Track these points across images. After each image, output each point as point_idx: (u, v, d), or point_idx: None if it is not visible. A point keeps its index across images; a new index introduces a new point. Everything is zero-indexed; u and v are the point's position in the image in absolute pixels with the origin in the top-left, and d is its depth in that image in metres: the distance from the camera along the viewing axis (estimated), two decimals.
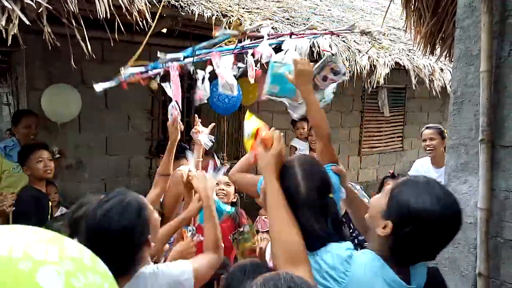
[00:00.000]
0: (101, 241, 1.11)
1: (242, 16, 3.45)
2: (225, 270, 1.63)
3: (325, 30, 2.62)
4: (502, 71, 1.27)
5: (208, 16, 3.17)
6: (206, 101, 2.24)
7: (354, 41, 4.46)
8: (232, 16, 3.35)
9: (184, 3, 3.13)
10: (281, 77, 1.78)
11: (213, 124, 2.45)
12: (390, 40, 5.32)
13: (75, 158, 3.79)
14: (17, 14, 1.95)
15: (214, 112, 4.68)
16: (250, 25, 3.23)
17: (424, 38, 2.41)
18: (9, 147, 3.04)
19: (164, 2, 2.92)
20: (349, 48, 4.20)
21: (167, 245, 1.90)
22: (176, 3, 3.05)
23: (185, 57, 1.88)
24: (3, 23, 1.89)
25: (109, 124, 3.93)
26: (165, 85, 2.00)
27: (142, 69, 2.01)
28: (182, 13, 3.05)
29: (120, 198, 1.21)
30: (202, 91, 1.95)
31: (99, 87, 1.94)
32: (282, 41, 2.23)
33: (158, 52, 2.01)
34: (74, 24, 2.27)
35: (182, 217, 1.75)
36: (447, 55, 2.49)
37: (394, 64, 4.57)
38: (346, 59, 4.04)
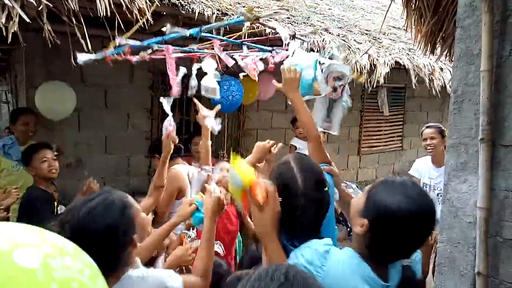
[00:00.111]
0: (84, 239, 1.10)
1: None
2: (221, 269, 1.63)
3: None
4: (503, 71, 1.27)
5: (209, 15, 3.16)
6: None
7: (355, 40, 4.46)
8: (233, 14, 3.34)
9: (185, 2, 3.12)
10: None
11: (218, 106, 2.37)
12: (390, 39, 5.32)
13: (74, 157, 3.79)
14: (17, 12, 1.95)
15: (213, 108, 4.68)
16: (251, 24, 3.23)
17: (424, 37, 2.41)
18: (7, 145, 3.04)
19: (164, 0, 2.92)
20: (349, 47, 4.20)
21: (167, 241, 1.89)
22: (177, 1, 3.05)
23: (191, 35, 1.85)
24: (3, 20, 1.89)
25: (108, 123, 3.93)
26: (163, 100, 1.98)
27: (137, 43, 1.98)
28: (183, 12, 3.05)
29: (104, 196, 1.20)
30: (178, 88, 1.92)
31: (82, 57, 1.91)
32: (271, 50, 2.29)
33: (168, 25, 1.99)
34: (75, 22, 2.27)
35: (173, 221, 1.73)
36: (448, 54, 2.49)
37: (394, 64, 4.57)
38: (346, 58, 4.04)
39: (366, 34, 5.03)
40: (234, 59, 2.22)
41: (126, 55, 2.03)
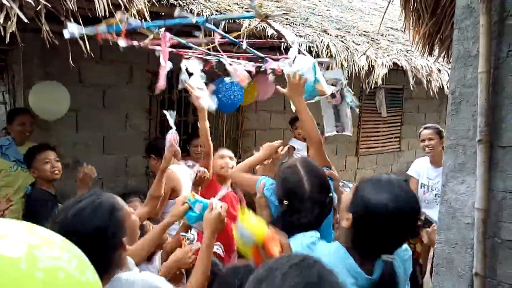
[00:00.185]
0: (72, 240, 1.08)
1: None
2: (215, 268, 1.62)
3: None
4: (501, 72, 1.27)
5: (207, 15, 3.16)
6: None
7: (353, 41, 4.47)
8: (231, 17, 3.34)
9: (183, 2, 3.12)
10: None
11: (212, 86, 2.34)
12: (388, 40, 5.33)
13: (72, 157, 3.77)
14: (16, 12, 1.94)
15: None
16: (249, 25, 3.24)
17: (422, 38, 2.42)
18: (5, 146, 3.02)
19: (163, 1, 2.91)
20: (348, 48, 4.21)
21: (166, 235, 1.87)
22: (175, 2, 3.05)
23: (196, 22, 1.81)
24: (1, 20, 1.88)
25: (106, 123, 3.92)
26: (166, 113, 1.95)
27: (137, 22, 1.94)
28: (182, 12, 3.05)
29: (93, 198, 1.19)
30: (163, 83, 1.88)
31: (71, 29, 1.87)
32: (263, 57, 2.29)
33: (177, 8, 1.97)
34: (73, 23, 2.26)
35: (167, 221, 1.71)
36: (445, 55, 2.50)
37: (392, 65, 4.58)
38: (345, 59, 4.05)
39: (364, 35, 5.05)
40: (223, 63, 2.23)
41: (118, 37, 1.95)
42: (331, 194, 1.32)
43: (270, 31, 3.30)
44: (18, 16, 1.97)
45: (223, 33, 2.02)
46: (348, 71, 4.05)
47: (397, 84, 6.09)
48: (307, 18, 4.45)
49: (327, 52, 3.92)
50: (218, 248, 2.13)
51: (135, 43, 2.09)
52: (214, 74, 2.20)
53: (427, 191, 3.21)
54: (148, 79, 4.11)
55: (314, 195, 1.27)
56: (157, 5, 2.79)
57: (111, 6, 2.38)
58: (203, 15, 3.15)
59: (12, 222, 0.54)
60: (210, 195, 2.48)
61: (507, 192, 1.26)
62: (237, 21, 3.33)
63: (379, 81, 4.40)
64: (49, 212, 2.34)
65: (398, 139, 6.72)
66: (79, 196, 1.22)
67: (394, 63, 4.64)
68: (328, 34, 4.29)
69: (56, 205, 2.48)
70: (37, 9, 2.06)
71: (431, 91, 5.12)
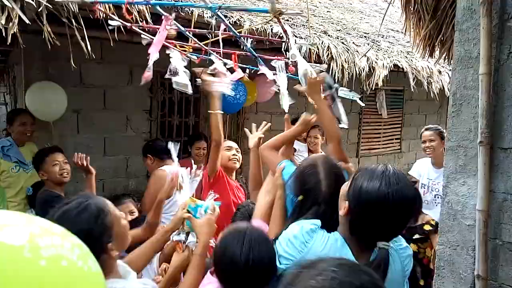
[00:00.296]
0: None
1: (242, 17, 3.46)
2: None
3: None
4: (501, 74, 1.28)
5: (208, 17, 3.17)
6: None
7: (353, 43, 4.48)
8: (232, 17, 3.35)
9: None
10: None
11: (239, 73, 2.30)
12: (389, 42, 5.34)
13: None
14: (17, 13, 1.94)
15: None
16: (250, 25, 3.24)
17: (423, 40, 2.42)
18: (6, 147, 3.02)
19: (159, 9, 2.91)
20: (348, 49, 4.22)
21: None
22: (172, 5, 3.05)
23: (210, 7, 1.73)
24: (3, 21, 1.89)
25: (107, 124, 3.92)
26: (170, 146, 1.89)
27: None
28: (182, 14, 3.05)
29: (80, 200, 1.17)
30: (150, 72, 1.85)
31: None
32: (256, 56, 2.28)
33: None
34: (74, 24, 2.27)
35: (168, 228, 1.68)
36: (446, 57, 2.50)
37: (392, 66, 4.58)
38: (345, 61, 4.05)
39: (365, 37, 5.05)
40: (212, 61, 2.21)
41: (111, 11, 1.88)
42: None
43: (274, 30, 3.31)
44: (19, 17, 1.97)
45: (229, 25, 2.00)
46: (348, 72, 4.05)
47: (397, 86, 6.09)
48: (307, 20, 4.45)
49: (328, 54, 3.92)
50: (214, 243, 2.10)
51: (127, 25, 2.03)
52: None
53: (427, 191, 3.21)
54: (149, 80, 4.10)
55: (330, 199, 1.30)
56: (158, 7, 2.79)
57: (112, 8, 2.38)
58: (204, 16, 3.15)
59: (11, 213, 0.54)
60: (219, 188, 2.48)
61: (508, 193, 1.26)
62: (238, 22, 3.33)
63: (380, 83, 4.40)
64: None
65: (398, 140, 6.72)
66: (70, 198, 1.21)
67: (395, 65, 4.65)
68: (328, 35, 4.30)
69: None
70: (39, 10, 2.07)
71: (431, 93, 5.12)
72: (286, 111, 2.11)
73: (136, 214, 2.44)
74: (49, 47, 2.30)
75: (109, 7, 2.28)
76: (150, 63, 1.77)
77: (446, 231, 1.41)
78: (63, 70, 3.25)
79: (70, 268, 0.50)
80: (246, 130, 2.27)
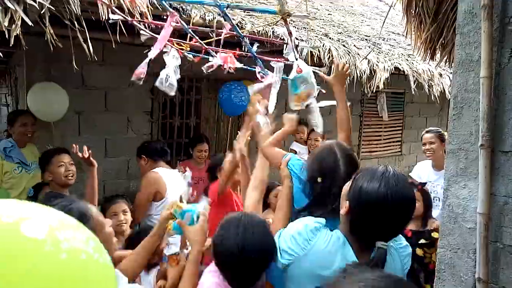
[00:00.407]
0: None
1: (243, 20, 3.47)
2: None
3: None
4: (502, 78, 1.28)
5: (210, 19, 3.18)
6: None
7: (354, 45, 4.49)
8: (234, 19, 3.36)
9: (186, 6, 3.14)
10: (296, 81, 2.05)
11: (266, 102, 2.27)
12: (390, 45, 5.34)
13: (74, 160, 3.78)
14: (20, 15, 1.95)
15: (214, 113, 4.69)
16: (251, 27, 3.25)
17: (424, 43, 2.43)
18: (8, 148, 3.03)
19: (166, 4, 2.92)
20: (349, 52, 4.22)
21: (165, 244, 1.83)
22: (178, 6, 3.06)
23: (218, 6, 1.69)
24: (6, 23, 1.90)
25: (109, 126, 3.93)
26: (180, 174, 1.82)
27: None
28: (184, 16, 3.07)
29: (64, 204, 1.17)
30: (143, 69, 1.82)
31: None
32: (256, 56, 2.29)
33: None
34: (77, 26, 2.28)
35: (155, 231, 1.64)
36: (447, 60, 2.51)
37: (393, 69, 4.59)
38: (346, 63, 4.06)
39: (366, 39, 5.06)
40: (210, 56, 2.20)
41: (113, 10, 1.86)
42: None
43: (277, 32, 3.31)
44: (22, 19, 1.98)
45: (235, 24, 1.99)
46: (349, 75, 4.05)
47: (398, 88, 6.10)
48: (308, 22, 4.46)
49: (329, 57, 3.93)
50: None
51: (128, 19, 2.01)
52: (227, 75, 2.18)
53: None
54: (150, 82, 4.11)
55: (348, 179, 1.36)
56: (160, 9, 2.80)
57: (114, 9, 2.39)
58: (206, 19, 3.16)
59: (30, 204, 0.54)
60: (227, 204, 2.46)
61: (509, 197, 1.26)
62: (239, 24, 3.34)
63: (381, 85, 4.40)
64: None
65: (399, 143, 6.72)
66: (55, 201, 1.20)
67: (396, 68, 4.65)
68: (329, 38, 4.30)
69: None
70: (41, 12, 2.08)
71: (432, 96, 5.13)
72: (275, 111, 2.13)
73: (129, 213, 2.44)
74: (51, 49, 2.31)
75: (112, 0, 2.28)
76: (146, 60, 1.74)
77: (446, 234, 1.41)
78: (65, 72, 3.26)
79: (88, 261, 0.51)
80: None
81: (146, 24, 2.24)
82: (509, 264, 1.26)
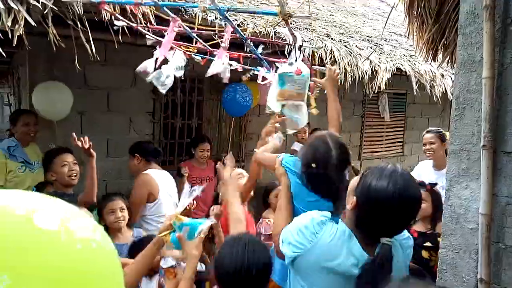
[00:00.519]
0: None
1: (245, 20, 3.47)
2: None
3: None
4: (505, 78, 1.28)
5: (212, 20, 3.19)
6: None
7: (356, 46, 4.49)
8: (236, 20, 3.36)
9: (188, 7, 3.14)
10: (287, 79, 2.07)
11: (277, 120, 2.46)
12: (392, 45, 5.34)
13: (76, 160, 3.79)
14: (23, 15, 1.96)
15: (216, 114, 4.70)
16: (253, 28, 3.25)
17: (426, 44, 2.42)
18: (12, 147, 3.04)
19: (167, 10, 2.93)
20: (351, 53, 4.22)
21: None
22: (180, 6, 3.07)
23: (219, 9, 1.68)
24: (9, 24, 1.91)
25: (111, 126, 3.94)
26: (188, 189, 1.73)
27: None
28: (186, 16, 3.07)
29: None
30: (147, 66, 1.81)
31: None
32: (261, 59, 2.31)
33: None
34: (79, 26, 2.29)
35: (155, 240, 1.62)
36: (449, 61, 2.51)
37: (395, 70, 4.58)
38: (348, 64, 4.06)
39: (368, 40, 5.06)
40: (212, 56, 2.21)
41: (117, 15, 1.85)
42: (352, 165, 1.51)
43: (281, 33, 3.31)
44: (25, 19, 1.99)
45: (236, 27, 2.00)
46: (351, 75, 4.06)
47: (400, 89, 6.09)
48: (311, 23, 4.47)
49: (331, 57, 3.93)
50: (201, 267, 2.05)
51: (132, 25, 2.02)
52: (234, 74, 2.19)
53: None
54: (152, 83, 4.12)
55: (338, 164, 1.50)
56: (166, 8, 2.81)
57: (117, 10, 2.40)
58: (207, 19, 3.17)
59: (36, 195, 0.54)
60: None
61: (511, 197, 1.26)
62: (241, 25, 3.35)
63: (383, 86, 4.40)
64: None
65: (401, 143, 6.71)
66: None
67: (398, 68, 4.64)
68: (331, 38, 4.31)
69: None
70: (44, 12, 2.09)
71: (434, 96, 5.12)
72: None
73: (126, 211, 2.44)
74: (54, 49, 2.32)
75: (115, 7, 2.29)
76: (153, 58, 1.84)
77: (448, 235, 1.41)
78: (68, 72, 3.27)
79: (98, 249, 0.51)
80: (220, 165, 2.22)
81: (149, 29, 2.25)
82: (511, 264, 1.26)
